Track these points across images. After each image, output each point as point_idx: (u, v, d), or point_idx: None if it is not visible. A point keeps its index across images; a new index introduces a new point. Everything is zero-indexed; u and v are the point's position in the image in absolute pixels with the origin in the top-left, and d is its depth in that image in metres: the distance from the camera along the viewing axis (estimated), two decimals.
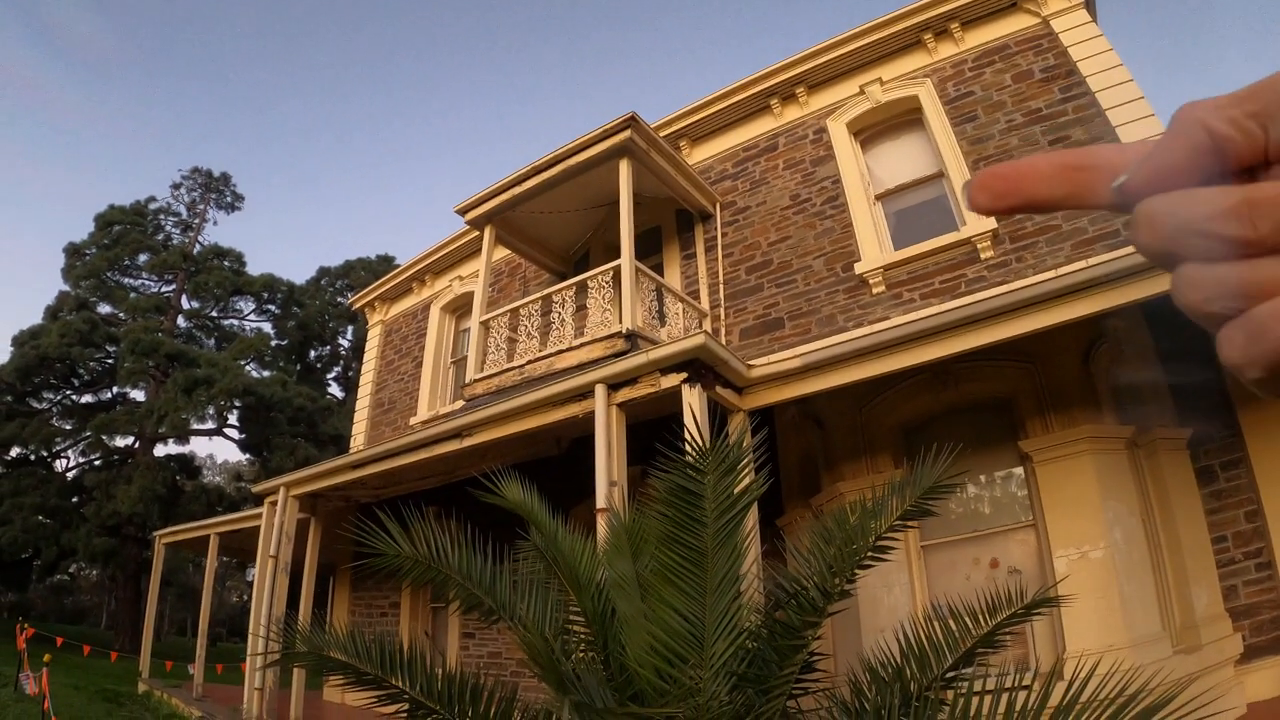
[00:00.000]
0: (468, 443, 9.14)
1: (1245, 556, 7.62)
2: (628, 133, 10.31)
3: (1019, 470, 8.04)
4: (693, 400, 7.04)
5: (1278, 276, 0.40)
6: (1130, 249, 6.36)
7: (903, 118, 11.14)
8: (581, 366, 9.12)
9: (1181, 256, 0.43)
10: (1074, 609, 6.33)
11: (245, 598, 56.71)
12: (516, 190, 11.51)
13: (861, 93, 11.28)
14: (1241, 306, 0.41)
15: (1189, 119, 0.43)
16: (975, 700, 3.29)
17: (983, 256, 9.30)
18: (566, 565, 3.67)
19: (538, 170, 11.22)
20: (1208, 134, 0.42)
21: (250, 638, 11.52)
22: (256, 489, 12.97)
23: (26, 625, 16.60)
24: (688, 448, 3.86)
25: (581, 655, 3.94)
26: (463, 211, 12.25)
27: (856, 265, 10.21)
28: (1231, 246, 0.41)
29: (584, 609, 3.64)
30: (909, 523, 4.14)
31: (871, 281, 10.01)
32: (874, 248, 10.23)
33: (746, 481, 3.72)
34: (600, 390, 7.63)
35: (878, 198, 10.74)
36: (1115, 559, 7.17)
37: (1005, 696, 3.36)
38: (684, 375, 7.18)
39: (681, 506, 3.53)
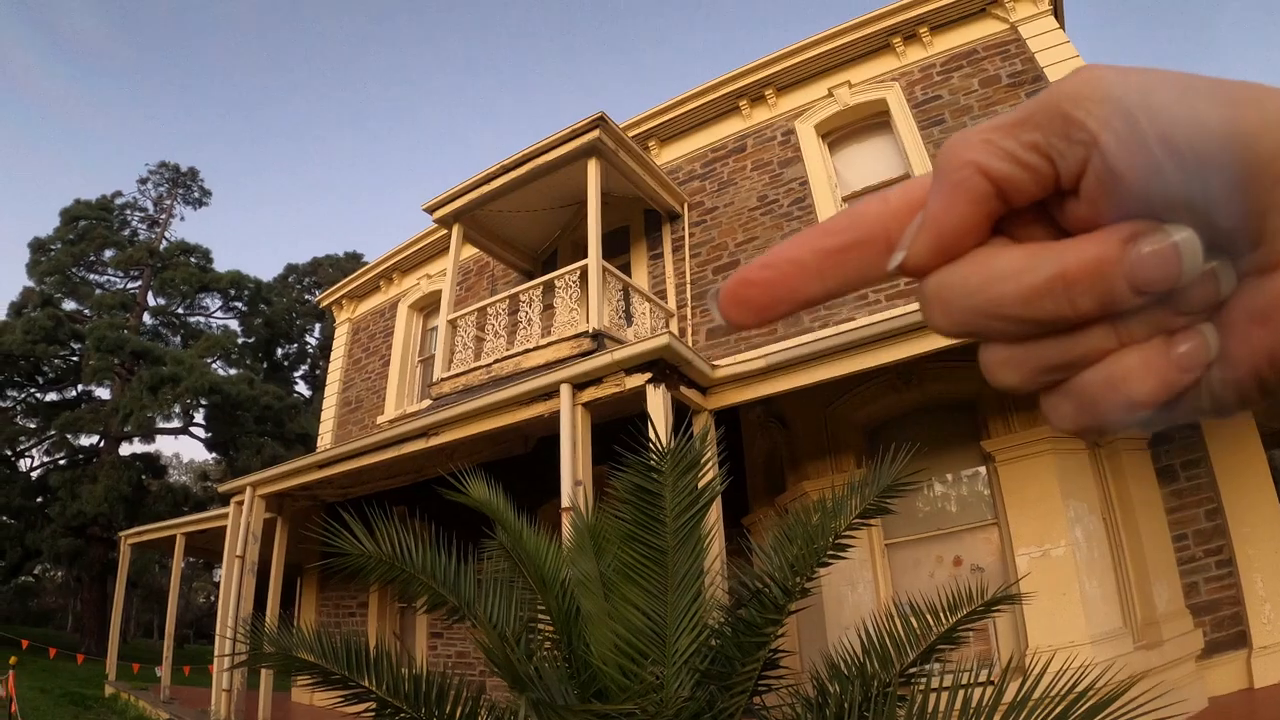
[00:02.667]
0: (434, 442, 9.14)
1: (1206, 554, 7.76)
2: (596, 132, 10.34)
3: (982, 470, 8.14)
4: (656, 400, 7.09)
5: (1099, 344, 0.37)
6: None
7: (871, 120, 11.24)
8: (548, 366, 9.14)
9: (985, 337, 0.39)
10: (1036, 606, 6.43)
11: (212, 598, 56.18)
12: (485, 189, 11.51)
13: (830, 95, 11.37)
14: (1062, 378, 0.38)
15: (959, 162, 0.37)
16: (933, 697, 3.33)
17: None
18: (532, 564, 3.70)
19: (506, 169, 11.23)
20: (985, 178, 0.37)
21: (217, 639, 11.46)
22: (223, 489, 12.88)
23: None
24: (650, 448, 3.90)
25: (546, 653, 3.97)
26: (431, 209, 12.23)
27: None
28: (1047, 328, 0.37)
29: (549, 607, 3.68)
30: (869, 521, 4.20)
31: None
32: None
33: (707, 479, 3.76)
34: (565, 390, 7.66)
35: (845, 199, 10.82)
36: (1076, 556, 7.28)
37: (962, 693, 3.41)
38: (648, 375, 7.23)
39: (641, 506, 3.57)
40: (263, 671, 11.12)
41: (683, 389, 7.50)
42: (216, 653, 11.45)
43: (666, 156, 12.78)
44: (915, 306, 7.85)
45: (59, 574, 49.26)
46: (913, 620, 4.13)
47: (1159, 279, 0.34)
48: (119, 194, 39.72)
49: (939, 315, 0.38)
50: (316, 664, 3.90)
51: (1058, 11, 10.31)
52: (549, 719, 2.84)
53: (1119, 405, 0.36)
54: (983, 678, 3.50)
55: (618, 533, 3.60)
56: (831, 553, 4.02)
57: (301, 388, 42.77)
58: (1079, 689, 3.30)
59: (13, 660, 11.86)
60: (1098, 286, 0.35)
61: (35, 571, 45.83)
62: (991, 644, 7.53)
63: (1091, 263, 0.35)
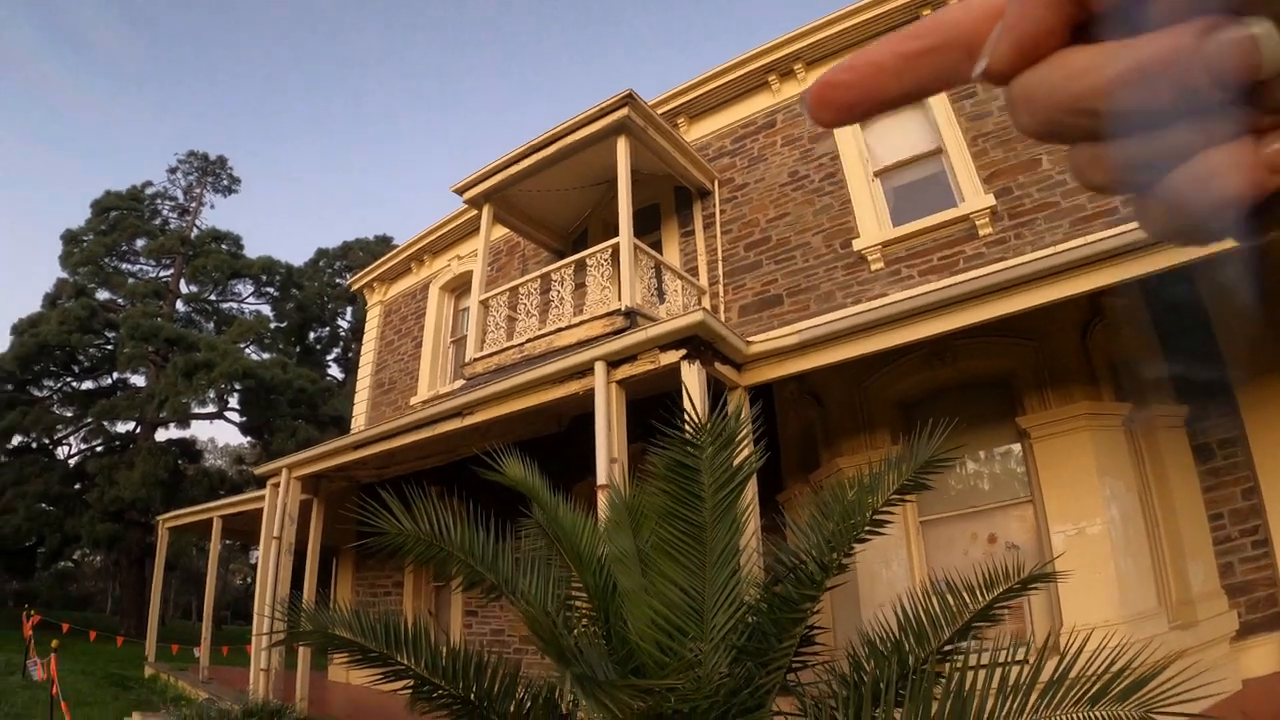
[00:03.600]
0: (469, 421, 9.17)
1: (1242, 534, 7.67)
2: (625, 110, 10.30)
3: (1017, 447, 8.07)
4: (691, 377, 7.06)
5: (1185, 140, 0.36)
6: (1128, 226, 6.37)
7: None
8: (581, 344, 9.14)
9: (1075, 137, 0.39)
10: (1071, 584, 6.36)
11: (249, 580, 56.89)
12: (514, 169, 11.51)
13: None
14: (1150, 178, 0.38)
15: None
16: (970, 674, 3.32)
17: (981, 233, 9.32)
18: (568, 541, 3.71)
19: (535, 149, 11.22)
20: None
21: (255, 619, 11.60)
22: (259, 471, 13.02)
23: (33, 612, 16.67)
24: (686, 424, 3.90)
25: (583, 630, 3.98)
26: (460, 190, 12.25)
27: (855, 242, 10.22)
28: (1126, 122, 0.36)
29: (585, 584, 3.69)
30: (905, 497, 4.17)
31: (870, 258, 10.03)
32: (873, 224, 10.24)
33: (744, 455, 3.75)
34: (600, 367, 7.65)
35: (876, 174, 10.72)
36: (1112, 535, 7.21)
37: (999, 670, 3.40)
38: (683, 352, 7.20)
39: (680, 481, 3.57)
40: (300, 651, 11.24)
41: (717, 365, 7.46)
42: (255, 633, 11.59)
43: (696, 133, 12.71)
44: (947, 282, 7.79)
45: (97, 558, 50.09)
46: (949, 597, 4.12)
47: (1237, 70, 0.33)
48: (149, 184, 40.18)
49: (1024, 115, 0.39)
50: (355, 641, 3.94)
51: None
52: (592, 694, 2.84)
53: (1208, 204, 0.36)
54: (1018, 656, 3.49)
55: (655, 509, 3.60)
56: (869, 529, 4.00)
57: (334, 370, 43.15)
58: (1115, 668, 3.28)
59: (54, 643, 12.04)
60: (1175, 77, 0.34)
61: (74, 556, 46.57)
62: (1026, 622, 7.48)
63: (1168, 52, 0.34)
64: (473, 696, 3.89)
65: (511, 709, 3.94)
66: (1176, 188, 0.36)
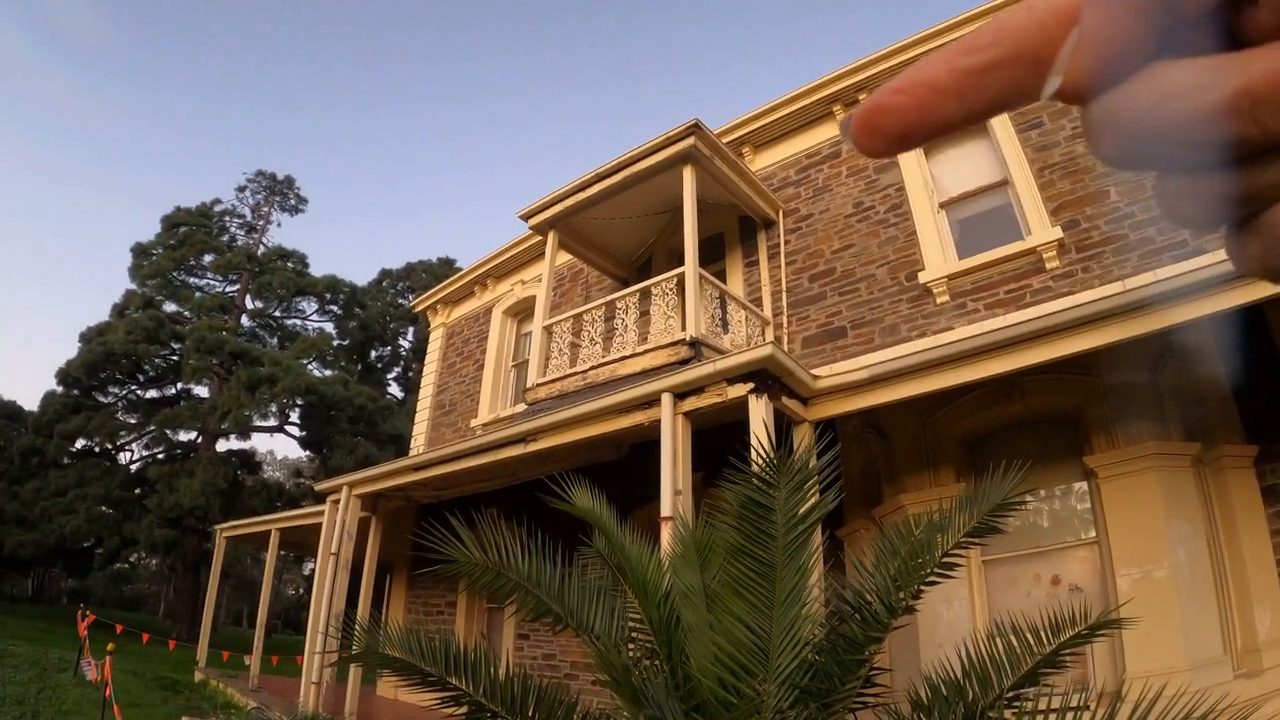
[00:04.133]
0: (532, 448, 9.23)
1: None
2: (691, 139, 10.33)
3: (1083, 485, 7.93)
4: (759, 411, 7.04)
5: None
6: (1198, 261, 6.26)
7: None
8: (645, 373, 9.16)
9: (1168, 167, 0.35)
10: (1135, 629, 6.22)
11: (301, 591, 57.58)
12: (580, 196, 11.59)
13: None
14: (1253, 210, 0.34)
15: None
16: None
17: (1048, 266, 9.19)
18: (633, 573, 3.71)
19: (601, 176, 11.30)
20: None
21: (309, 633, 11.71)
22: (320, 487, 13.19)
23: (88, 612, 16.97)
24: (754, 459, 3.88)
25: (646, 664, 3.97)
26: (526, 216, 12.36)
27: (920, 274, 10.14)
28: (1231, 151, 0.32)
29: (649, 617, 3.68)
30: (977, 540, 4.11)
31: (935, 291, 9.93)
32: (938, 257, 10.15)
33: (815, 497, 3.73)
34: (667, 399, 7.67)
35: (942, 206, 10.64)
36: (1179, 579, 7.05)
37: (1070, 716, 3.34)
38: (750, 385, 7.18)
39: (751, 520, 3.55)
40: (351, 666, 11.34)
41: (784, 399, 7.43)
42: (308, 647, 11.71)
43: (760, 163, 12.71)
44: (1017, 318, 7.70)
45: (153, 562, 51.00)
46: (1014, 641, 4.04)
47: None
48: (218, 201, 41.22)
49: (1108, 144, 0.34)
50: (413, 664, 3.96)
51: None
52: None
53: None
54: (1076, 701, 3.42)
55: (724, 545, 3.59)
56: (938, 570, 3.95)
57: (394, 389, 43.69)
58: (1193, 718, 3.21)
59: (110, 646, 12.25)
60: None
61: (131, 559, 47.50)
62: (1088, 667, 7.33)
63: (1275, 74, 0.30)
64: None
65: None
66: (1279, 224, 0.33)
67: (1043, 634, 4.05)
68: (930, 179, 10.89)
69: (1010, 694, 3.86)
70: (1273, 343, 7.66)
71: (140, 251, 37.23)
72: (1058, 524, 8.08)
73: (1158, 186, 0.36)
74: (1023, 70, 0.35)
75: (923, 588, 3.92)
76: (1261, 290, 5.66)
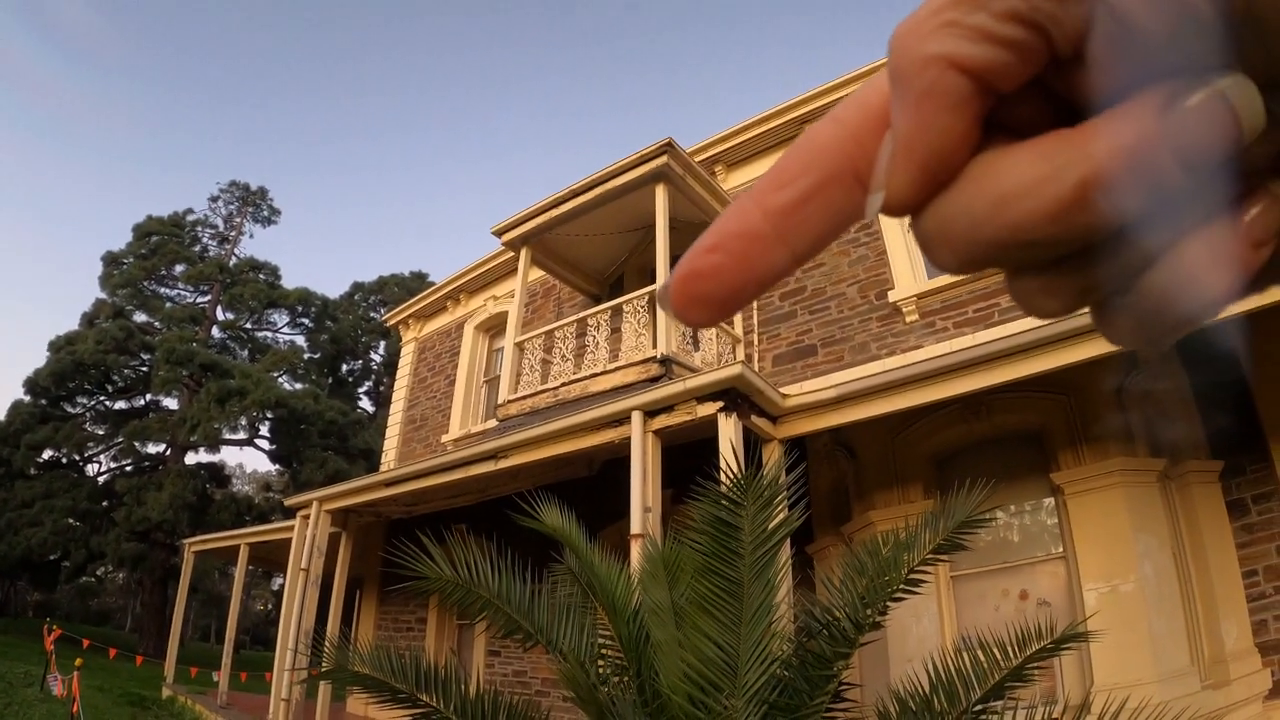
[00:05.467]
0: (503, 465, 9.23)
1: (1276, 591, 7.55)
2: (664, 158, 10.39)
3: (1050, 501, 8.01)
4: (728, 429, 7.09)
5: (1160, 242, 0.29)
6: None
7: None
8: (616, 390, 9.19)
9: (1015, 268, 0.32)
10: (1103, 642, 6.29)
11: (269, 606, 57.09)
12: (553, 213, 11.63)
13: None
14: (1115, 290, 0.31)
15: (921, 60, 0.29)
16: None
17: None
18: (603, 591, 3.73)
19: (575, 194, 11.34)
20: (960, 74, 0.28)
21: (279, 650, 11.63)
22: (290, 502, 13.11)
23: (54, 626, 16.76)
24: (723, 478, 3.92)
25: (615, 680, 3.99)
26: (499, 233, 12.38)
27: (890, 293, 10.23)
28: (1082, 244, 0.30)
29: (618, 634, 3.70)
30: (942, 557, 4.16)
31: (905, 310, 10.02)
32: (908, 276, 10.24)
33: (782, 515, 3.77)
34: (637, 417, 7.70)
35: (911, 225, 10.72)
36: (1146, 593, 7.13)
37: None
38: (720, 404, 7.23)
39: (718, 538, 3.59)
40: (321, 683, 11.27)
41: (753, 418, 7.49)
42: (277, 664, 11.61)
43: (734, 181, 12.77)
44: (984, 338, 7.79)
45: (120, 576, 50.38)
46: (980, 655, 4.09)
47: (1212, 145, 0.27)
48: (190, 211, 40.89)
49: (946, 257, 0.31)
50: (385, 682, 3.96)
51: None
52: None
53: (1193, 305, 0.30)
54: (1041, 716, 3.46)
55: (693, 564, 3.62)
56: (904, 587, 4.00)
57: (365, 404, 43.52)
58: None
59: (78, 662, 12.13)
60: (1141, 176, 0.27)
61: (97, 573, 46.92)
62: (1056, 680, 7.39)
63: (1127, 148, 0.27)
64: None
65: None
66: (1147, 297, 0.30)
67: (1009, 648, 4.10)
68: None
69: (977, 708, 3.91)
70: (1237, 361, 7.78)
71: (111, 260, 36.88)
72: (1026, 540, 8.15)
73: (1009, 285, 0.33)
74: (843, 192, 0.33)
75: (890, 604, 3.96)
76: (1224, 310, 5.76)
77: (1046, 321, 6.81)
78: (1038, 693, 6.84)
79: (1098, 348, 6.33)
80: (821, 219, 0.33)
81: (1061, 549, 7.80)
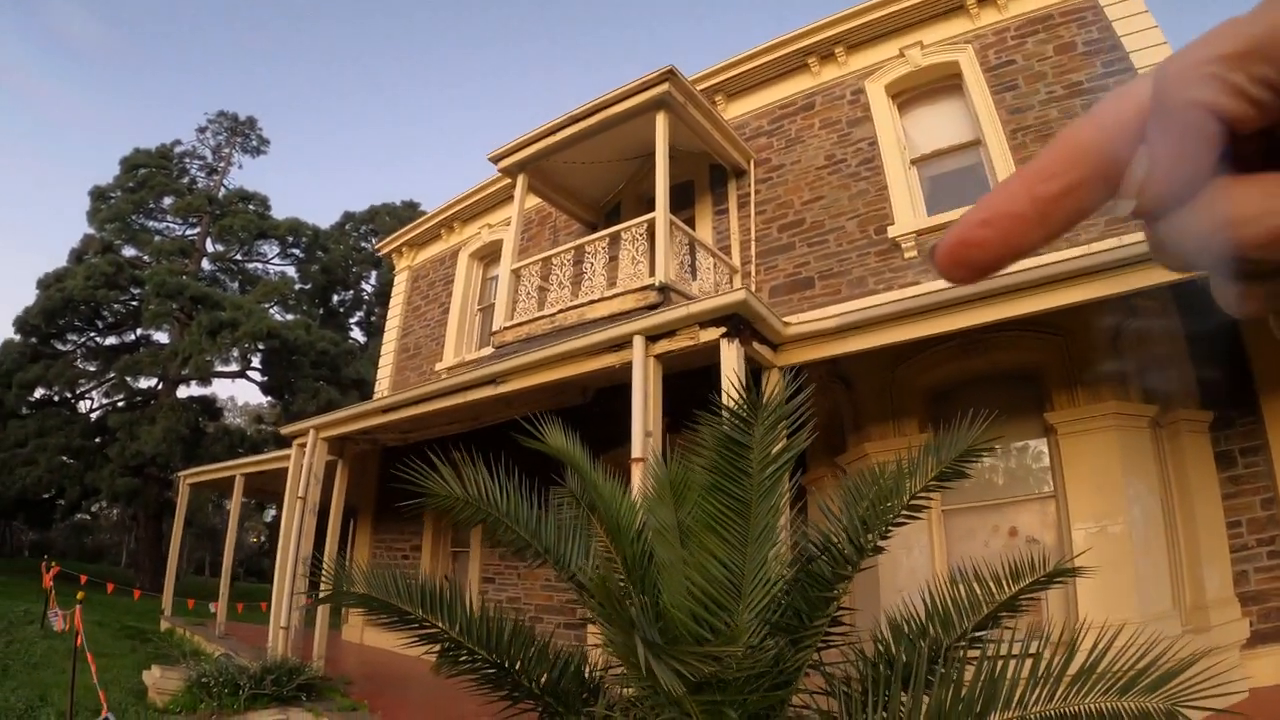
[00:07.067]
0: (502, 389, 9.24)
1: (1258, 543, 7.68)
2: (665, 86, 10.31)
3: (1043, 442, 8.09)
4: (730, 355, 7.11)
5: None
6: None
7: (942, 83, 11.06)
8: (613, 317, 9.20)
9: (1222, 275, 0.37)
10: (1090, 581, 6.39)
11: (263, 538, 57.43)
12: (551, 139, 11.55)
13: (901, 55, 11.19)
14: None
15: (1184, 101, 0.34)
16: (1000, 663, 3.39)
17: None
18: (607, 511, 3.75)
19: (574, 120, 11.25)
20: (1213, 115, 0.34)
21: (277, 579, 11.72)
22: (286, 431, 13.16)
23: (53, 564, 16.84)
24: (727, 401, 3.94)
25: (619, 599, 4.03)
26: (496, 159, 12.29)
27: (889, 229, 10.22)
28: None
29: (622, 554, 3.73)
30: (945, 484, 4.21)
31: (904, 245, 10.02)
32: (908, 212, 10.22)
33: (791, 435, 3.80)
34: (639, 341, 7.69)
35: (913, 162, 10.70)
36: (1133, 535, 7.24)
37: (1029, 660, 3.46)
38: (723, 330, 7.24)
39: (728, 456, 3.60)
40: (319, 610, 11.39)
41: (755, 345, 7.50)
42: (275, 592, 11.72)
43: (734, 112, 12.69)
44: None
45: (114, 512, 50.63)
46: (975, 586, 4.16)
47: None
48: (178, 143, 40.36)
49: (1172, 259, 0.38)
50: (392, 604, 4.00)
51: None
52: (661, 659, 2.91)
53: None
54: (1039, 649, 3.54)
55: (700, 483, 3.64)
56: (906, 512, 4.05)
57: (357, 334, 43.38)
58: (1144, 662, 3.34)
59: (80, 595, 12.19)
60: None
61: (92, 509, 47.11)
62: (1043, 615, 7.52)
63: None
64: (506, 663, 3.97)
65: (543, 678, 4.01)
66: None
67: (1003, 580, 4.17)
68: (903, 135, 10.95)
69: (972, 634, 3.99)
70: (1232, 314, 7.82)
71: (98, 195, 36.43)
72: (1016, 478, 8.25)
73: (1215, 287, 0.39)
74: (1096, 189, 0.39)
75: (890, 528, 4.01)
76: None
77: (1046, 260, 6.85)
78: (1026, 626, 6.97)
79: (1095, 290, 6.35)
80: (1076, 209, 0.39)
81: (1052, 488, 7.90)
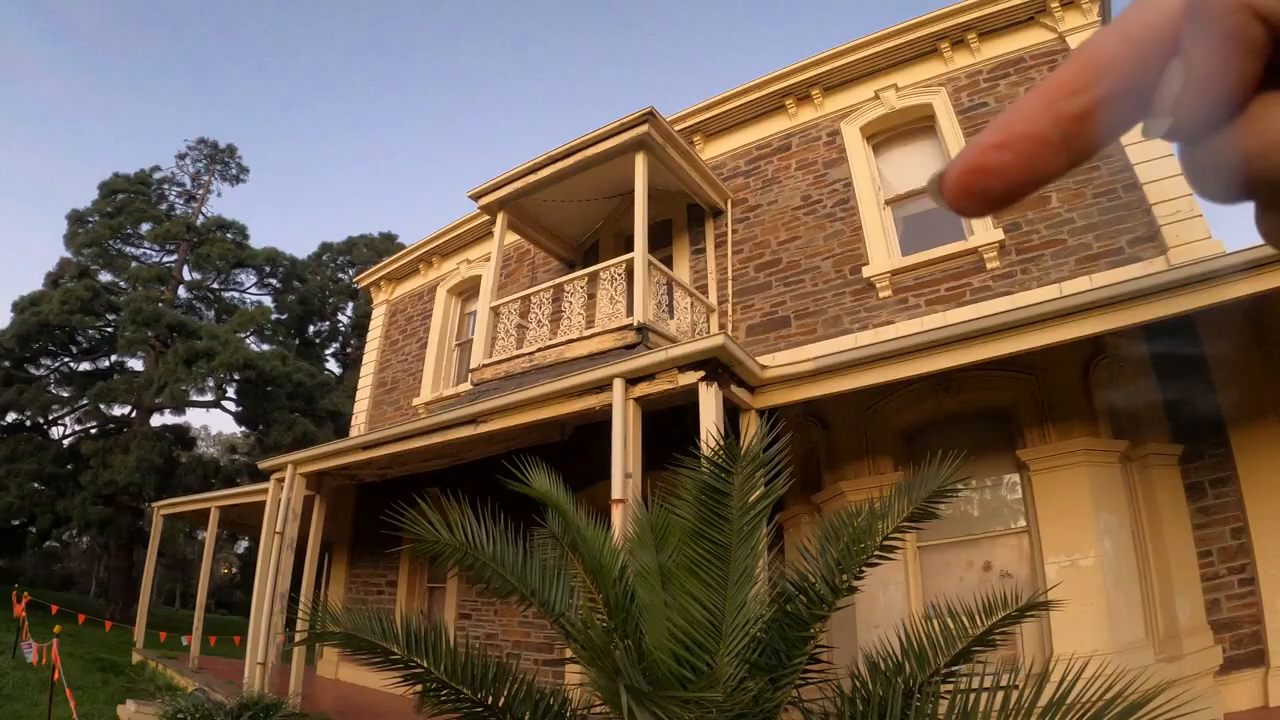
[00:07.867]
0: (482, 429, 9.26)
1: (1229, 572, 7.78)
2: (645, 127, 10.43)
3: (1015, 478, 8.21)
4: (708, 398, 7.19)
5: None
6: (1133, 271, 6.52)
7: (916, 124, 11.25)
8: (592, 357, 9.28)
9: (1266, 203, 0.34)
10: (1062, 614, 6.52)
11: (234, 570, 56.79)
12: (531, 178, 11.65)
13: (876, 97, 11.38)
14: None
15: (1225, 6, 0.30)
16: (971, 696, 3.47)
17: (988, 266, 9.45)
18: (589, 554, 3.84)
19: (554, 159, 11.36)
20: (1261, 23, 0.30)
21: (254, 614, 11.64)
22: (264, 465, 13.08)
23: (24, 593, 16.64)
24: (705, 447, 4.03)
25: (603, 641, 4.10)
26: (476, 196, 12.38)
27: (864, 268, 10.36)
28: None
29: (605, 596, 3.81)
30: (916, 524, 4.31)
31: (878, 285, 10.16)
32: (882, 252, 10.37)
33: (770, 481, 3.89)
34: (619, 384, 7.76)
35: (888, 203, 10.86)
36: (1105, 568, 7.35)
37: (1000, 694, 3.55)
38: (701, 374, 7.33)
39: (708, 504, 3.70)
40: (295, 648, 11.32)
41: (732, 387, 7.60)
42: (252, 628, 11.63)
43: (711, 152, 12.84)
44: (958, 318, 7.94)
45: (84, 540, 49.90)
46: (950, 622, 4.26)
47: None
48: (157, 169, 40.08)
49: (1213, 186, 0.33)
50: (378, 644, 4.05)
51: (1105, 22, 10.27)
52: (644, 705, 2.97)
53: None
54: (1013, 681, 3.63)
55: (681, 528, 3.73)
56: (879, 553, 4.15)
57: (333, 365, 43.16)
58: (1111, 693, 3.43)
59: (57, 629, 12.08)
60: None
61: (63, 537, 46.48)
62: (1018, 649, 7.60)
63: None
64: (491, 699, 4.02)
65: (526, 717, 4.07)
66: None
67: (976, 615, 4.27)
68: (878, 176, 11.11)
69: (946, 670, 4.08)
70: (1200, 349, 7.99)
71: (76, 219, 36.09)
72: (990, 513, 8.36)
73: (1258, 217, 0.35)
74: (1126, 107, 0.34)
75: (864, 569, 4.11)
76: (1187, 302, 5.97)
77: (1017, 303, 7.00)
78: (1000, 660, 7.06)
79: (1066, 332, 6.49)
80: (1103, 130, 0.35)
81: (1024, 523, 8.01)
